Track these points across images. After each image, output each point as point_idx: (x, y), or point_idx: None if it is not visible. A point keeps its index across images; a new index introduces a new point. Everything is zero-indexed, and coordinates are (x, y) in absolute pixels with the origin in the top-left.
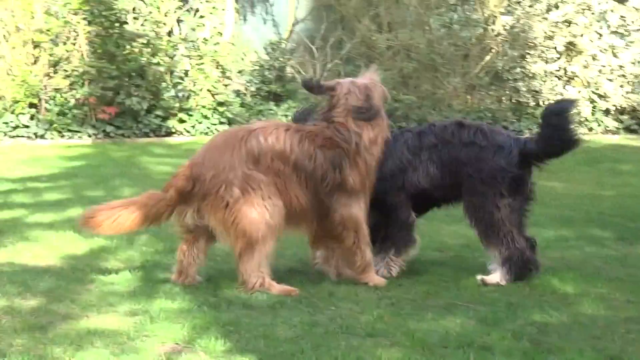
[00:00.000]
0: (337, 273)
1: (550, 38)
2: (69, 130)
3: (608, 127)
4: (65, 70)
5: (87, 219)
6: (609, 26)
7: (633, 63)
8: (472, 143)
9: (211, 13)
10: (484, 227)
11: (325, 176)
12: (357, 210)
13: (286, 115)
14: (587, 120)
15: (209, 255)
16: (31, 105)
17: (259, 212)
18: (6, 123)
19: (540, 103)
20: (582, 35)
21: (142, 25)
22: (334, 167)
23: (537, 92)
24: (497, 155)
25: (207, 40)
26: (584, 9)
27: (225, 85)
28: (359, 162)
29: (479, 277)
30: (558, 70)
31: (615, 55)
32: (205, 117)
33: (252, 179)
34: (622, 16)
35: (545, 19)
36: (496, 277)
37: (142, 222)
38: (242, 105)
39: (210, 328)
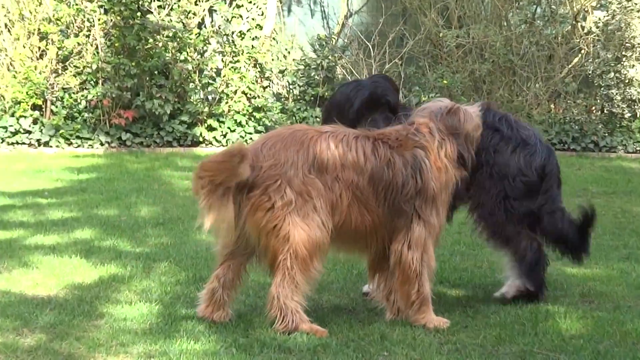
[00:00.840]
0: (396, 310)
1: None
2: (78, 138)
3: None
4: (76, 67)
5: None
6: None
7: None
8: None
9: (250, 2)
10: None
11: (406, 182)
12: (431, 225)
13: None
14: None
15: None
16: (35, 107)
17: (310, 226)
18: (4, 127)
19: (638, 114)
20: None
21: (167, 15)
22: (414, 169)
23: (634, 101)
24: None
25: (243, 34)
26: None
27: (264, 88)
28: (440, 168)
29: (497, 294)
30: None
31: None
32: (239, 124)
33: (312, 186)
34: None
35: None
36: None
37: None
38: (282, 111)
39: None
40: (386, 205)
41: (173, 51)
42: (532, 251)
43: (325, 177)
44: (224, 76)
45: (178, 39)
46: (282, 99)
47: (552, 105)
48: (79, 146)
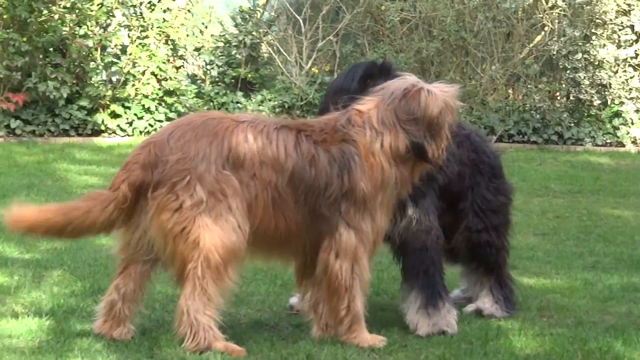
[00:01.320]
0: (324, 325)
1: (625, 14)
2: None
3: None
4: None
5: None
6: None
7: None
8: None
9: None
10: None
11: (329, 183)
12: (363, 232)
13: (259, 111)
14: None
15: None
16: None
17: (224, 229)
18: None
19: (609, 102)
20: None
21: None
22: (341, 168)
23: (604, 86)
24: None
25: (154, 5)
26: None
27: (177, 68)
28: (373, 165)
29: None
30: (634, 58)
31: None
32: (148, 110)
33: (227, 183)
34: None
35: None
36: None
37: (84, 233)
38: (198, 95)
39: None
40: (307, 209)
41: (71, 25)
42: None
43: (241, 174)
44: (131, 54)
45: (77, 11)
46: (198, 82)
47: (510, 91)
48: None
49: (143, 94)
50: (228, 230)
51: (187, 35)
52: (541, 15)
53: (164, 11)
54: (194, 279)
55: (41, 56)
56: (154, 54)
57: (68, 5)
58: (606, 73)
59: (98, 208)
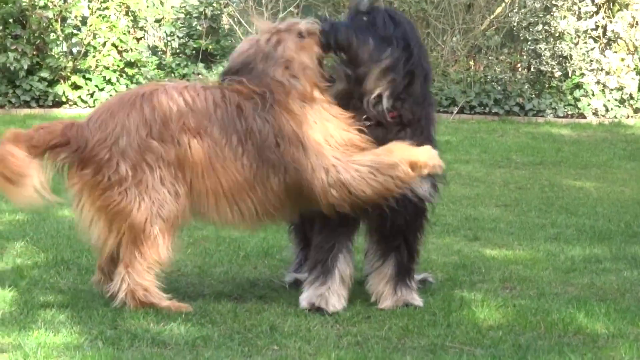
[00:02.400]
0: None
1: None
2: None
3: None
4: None
5: None
6: None
7: None
8: None
9: None
10: None
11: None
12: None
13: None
14: (632, 98)
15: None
16: None
17: (154, 198)
18: None
19: (570, 73)
20: None
21: None
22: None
23: (565, 58)
24: None
25: None
26: None
27: (138, 39)
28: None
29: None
30: (595, 30)
31: None
32: (109, 81)
33: (150, 152)
34: None
35: None
36: None
37: None
38: (159, 66)
39: None
40: (250, 158)
41: None
42: None
43: (171, 128)
44: (91, 26)
45: None
46: (159, 53)
47: (471, 62)
48: None
49: (104, 66)
50: (158, 200)
51: (148, 7)
52: None
53: None
54: (131, 250)
55: (1, 27)
56: (114, 26)
57: None
58: (567, 45)
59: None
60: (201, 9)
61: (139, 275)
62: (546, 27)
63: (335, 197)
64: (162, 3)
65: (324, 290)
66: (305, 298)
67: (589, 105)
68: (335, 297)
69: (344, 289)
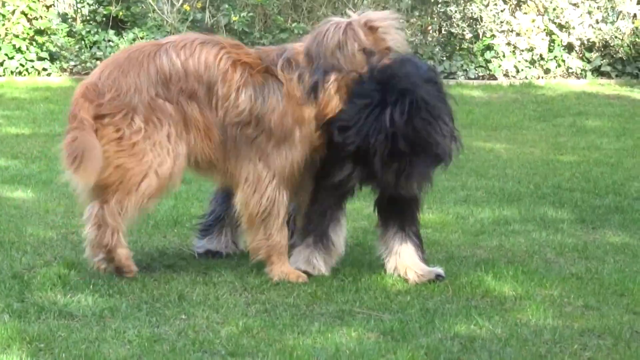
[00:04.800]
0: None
1: None
2: None
3: (571, 68)
4: None
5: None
6: None
7: None
8: None
9: None
10: None
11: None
12: (275, 163)
13: None
14: (542, 59)
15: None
16: None
17: (155, 157)
18: None
19: (480, 35)
20: None
21: None
22: (256, 96)
23: (475, 20)
24: None
25: None
26: None
27: (47, 7)
28: (294, 99)
29: None
30: None
31: None
32: (19, 50)
33: (159, 109)
34: None
35: None
36: None
37: None
38: (70, 34)
39: (11, 346)
40: (222, 130)
41: None
42: None
43: (172, 91)
44: None
45: None
46: (69, 20)
47: None
48: None
49: (13, 34)
50: (163, 156)
51: None
52: None
53: None
54: (119, 194)
55: None
56: None
57: None
58: (477, 7)
59: None
60: None
61: (111, 215)
62: None
63: None
64: None
65: (310, 254)
66: (293, 263)
67: (499, 66)
68: (321, 262)
69: (331, 256)
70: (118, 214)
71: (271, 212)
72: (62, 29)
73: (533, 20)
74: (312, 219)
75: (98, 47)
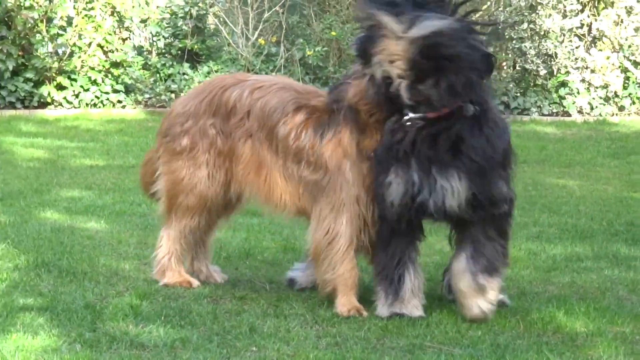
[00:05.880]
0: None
1: None
2: None
3: None
4: None
5: None
6: None
7: None
8: None
9: None
10: None
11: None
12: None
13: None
14: (617, 96)
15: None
16: None
17: (197, 176)
18: None
19: (555, 71)
20: None
21: None
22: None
23: (550, 56)
24: None
25: None
26: None
27: (123, 40)
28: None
29: None
30: (580, 28)
31: None
32: (94, 82)
33: (206, 137)
34: None
35: None
36: None
37: None
38: (145, 67)
39: None
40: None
41: None
42: None
43: (231, 122)
44: (76, 26)
45: None
46: (145, 53)
47: None
48: None
49: (89, 66)
50: (200, 178)
51: (133, 7)
52: None
53: None
54: (172, 214)
55: None
56: (100, 26)
57: None
58: (552, 43)
59: None
60: (187, 9)
61: (171, 240)
62: (531, 26)
63: None
64: (147, 3)
65: (397, 308)
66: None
67: (573, 103)
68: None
69: (416, 299)
70: (179, 238)
71: (332, 245)
72: (137, 62)
73: (608, 57)
74: (388, 267)
75: (173, 80)
